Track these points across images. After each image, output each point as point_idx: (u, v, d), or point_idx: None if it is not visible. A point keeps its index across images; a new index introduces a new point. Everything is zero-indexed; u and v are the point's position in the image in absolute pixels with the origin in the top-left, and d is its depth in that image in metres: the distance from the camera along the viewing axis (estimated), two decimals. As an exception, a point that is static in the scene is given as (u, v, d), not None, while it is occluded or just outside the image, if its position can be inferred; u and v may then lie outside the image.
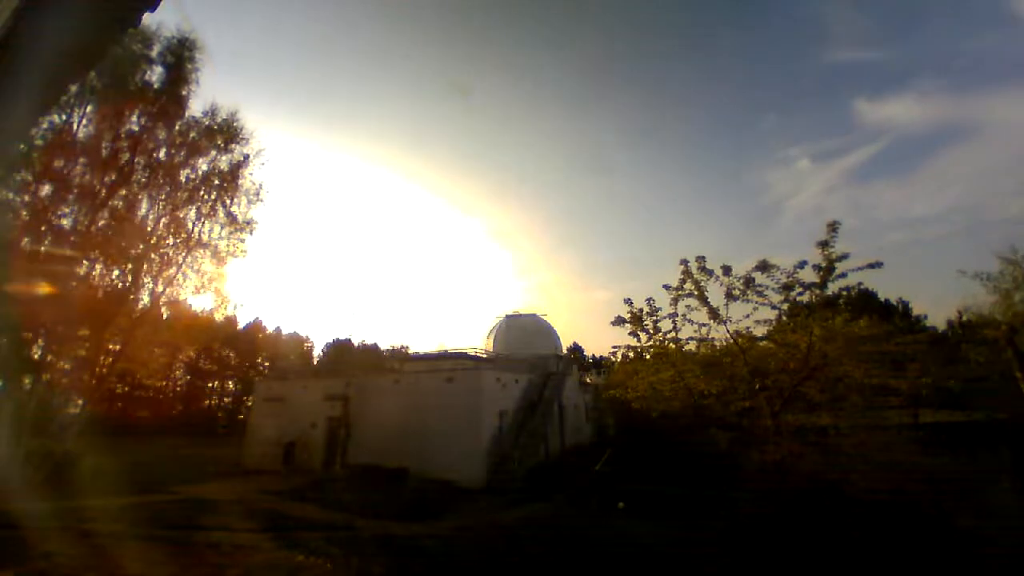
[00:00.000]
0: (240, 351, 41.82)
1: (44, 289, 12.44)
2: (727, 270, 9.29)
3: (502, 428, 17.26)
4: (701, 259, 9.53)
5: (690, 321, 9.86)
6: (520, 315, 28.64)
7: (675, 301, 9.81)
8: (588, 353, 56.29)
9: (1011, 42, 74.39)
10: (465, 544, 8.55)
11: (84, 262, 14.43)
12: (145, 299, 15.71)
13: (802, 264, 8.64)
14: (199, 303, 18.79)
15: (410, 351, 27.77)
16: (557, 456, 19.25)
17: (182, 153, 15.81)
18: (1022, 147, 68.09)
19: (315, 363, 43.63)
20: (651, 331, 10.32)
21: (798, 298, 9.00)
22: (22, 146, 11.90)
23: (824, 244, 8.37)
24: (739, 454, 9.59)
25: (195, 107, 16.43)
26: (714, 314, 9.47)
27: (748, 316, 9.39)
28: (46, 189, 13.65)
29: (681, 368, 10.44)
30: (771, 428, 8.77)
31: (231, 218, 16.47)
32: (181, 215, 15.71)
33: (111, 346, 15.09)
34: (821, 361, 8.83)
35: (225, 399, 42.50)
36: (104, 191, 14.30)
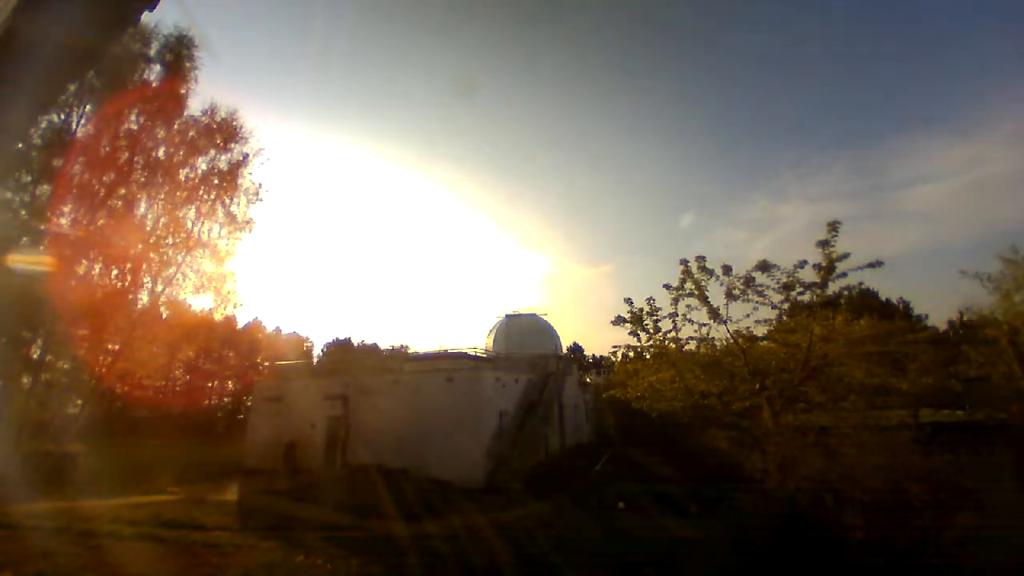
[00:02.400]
0: (240, 351, 41.73)
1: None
2: (727, 269, 9.28)
3: (502, 428, 17.24)
4: (701, 259, 9.51)
5: (690, 321, 9.86)
6: (520, 315, 28.61)
7: (675, 301, 9.80)
8: (588, 353, 56.16)
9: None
10: (465, 544, 8.54)
11: (83, 262, 14.41)
12: (144, 299, 15.71)
13: (802, 264, 8.64)
14: (199, 303, 18.74)
15: (410, 351, 27.65)
16: (557, 456, 19.23)
17: (181, 152, 15.79)
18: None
19: (315, 363, 43.57)
20: (651, 331, 10.30)
21: (799, 298, 9.00)
22: (21, 146, 11.88)
23: (825, 243, 8.37)
24: (739, 454, 9.59)
25: (194, 106, 16.37)
26: (714, 314, 9.46)
27: (748, 316, 9.38)
28: (45, 189, 13.64)
29: (681, 368, 10.41)
30: (771, 428, 8.76)
31: (230, 218, 16.46)
32: (180, 214, 15.69)
33: (111, 346, 15.05)
34: (822, 361, 8.82)
35: (225, 399, 42.44)
36: (103, 190, 14.29)
